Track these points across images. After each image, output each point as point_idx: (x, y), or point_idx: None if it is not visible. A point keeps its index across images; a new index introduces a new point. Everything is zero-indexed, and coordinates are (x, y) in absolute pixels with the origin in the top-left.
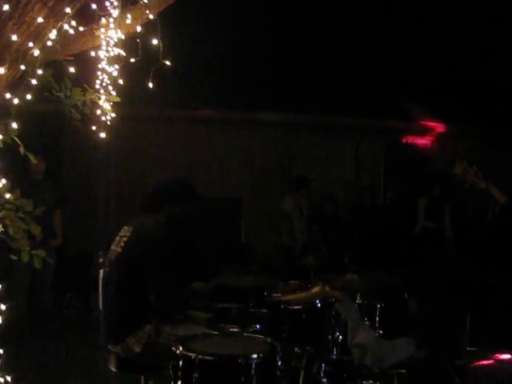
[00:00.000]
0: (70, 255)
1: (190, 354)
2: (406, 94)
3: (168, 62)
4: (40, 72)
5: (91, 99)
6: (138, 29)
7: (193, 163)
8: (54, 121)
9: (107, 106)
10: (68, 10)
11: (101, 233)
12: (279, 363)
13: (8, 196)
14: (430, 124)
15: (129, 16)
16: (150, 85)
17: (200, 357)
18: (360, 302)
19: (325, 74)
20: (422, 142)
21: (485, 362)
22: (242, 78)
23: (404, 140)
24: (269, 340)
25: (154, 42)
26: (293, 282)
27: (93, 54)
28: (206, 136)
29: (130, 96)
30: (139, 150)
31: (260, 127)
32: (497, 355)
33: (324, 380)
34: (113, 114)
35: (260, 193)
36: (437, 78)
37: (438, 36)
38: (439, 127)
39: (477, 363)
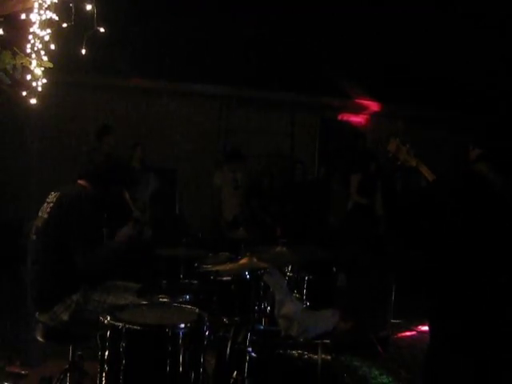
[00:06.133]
0: None
1: (117, 324)
2: (343, 72)
3: (102, 29)
4: None
5: (22, 64)
6: None
7: (128, 132)
8: None
9: (38, 72)
10: None
11: (30, 202)
12: (207, 333)
13: None
14: (365, 102)
15: None
16: (83, 51)
17: (127, 326)
18: (289, 274)
19: (263, 49)
20: (357, 119)
21: (407, 333)
22: (180, 49)
23: (339, 117)
24: (197, 310)
25: (88, 7)
26: (223, 253)
27: (24, 16)
28: (141, 105)
29: (63, 62)
30: (72, 117)
31: (197, 99)
32: (418, 327)
33: (249, 349)
34: (44, 80)
35: (195, 165)
36: (373, 58)
37: (377, 16)
38: (373, 106)
39: (399, 334)
